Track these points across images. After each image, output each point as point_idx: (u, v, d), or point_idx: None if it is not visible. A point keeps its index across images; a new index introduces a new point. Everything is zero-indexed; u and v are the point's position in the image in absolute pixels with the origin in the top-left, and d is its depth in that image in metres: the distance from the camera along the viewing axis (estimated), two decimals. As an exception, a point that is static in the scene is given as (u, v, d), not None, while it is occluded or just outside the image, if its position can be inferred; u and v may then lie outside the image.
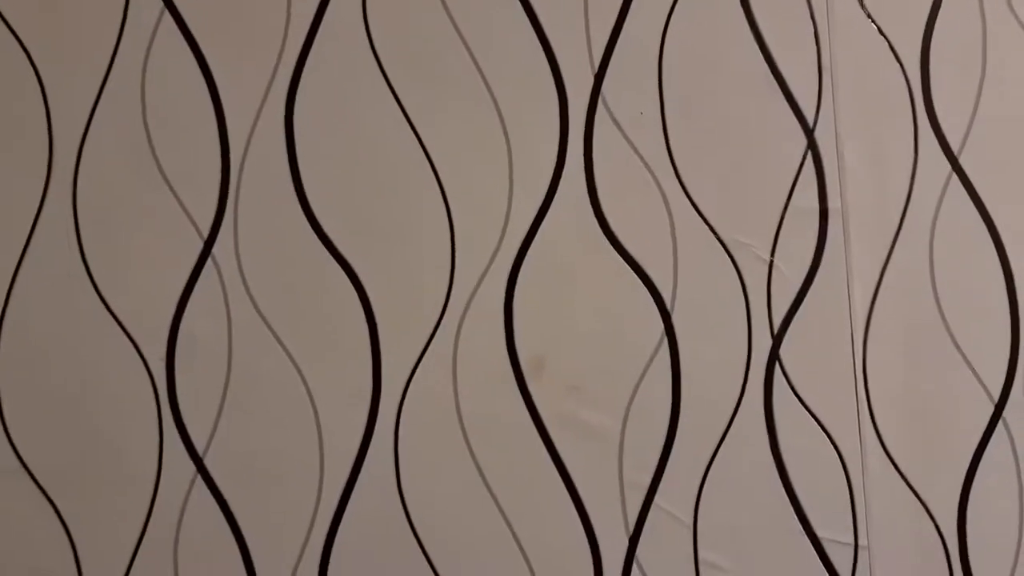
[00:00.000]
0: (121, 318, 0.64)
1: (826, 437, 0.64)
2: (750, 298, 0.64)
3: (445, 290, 0.64)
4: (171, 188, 0.64)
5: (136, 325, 0.64)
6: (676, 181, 0.64)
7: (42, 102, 0.65)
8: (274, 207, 0.64)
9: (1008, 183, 0.64)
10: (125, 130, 0.64)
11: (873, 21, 0.65)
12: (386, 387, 0.64)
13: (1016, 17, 0.65)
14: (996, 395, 0.64)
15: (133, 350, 0.64)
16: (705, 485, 0.64)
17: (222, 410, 0.64)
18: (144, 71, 0.65)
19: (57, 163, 0.65)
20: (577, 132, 0.64)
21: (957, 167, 0.64)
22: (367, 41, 0.65)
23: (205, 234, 0.64)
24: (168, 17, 0.65)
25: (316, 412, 0.64)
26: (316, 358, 0.64)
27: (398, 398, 0.64)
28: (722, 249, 0.64)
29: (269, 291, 0.64)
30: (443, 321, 0.64)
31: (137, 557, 0.64)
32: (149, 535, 0.64)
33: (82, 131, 0.65)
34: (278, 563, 0.64)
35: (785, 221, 0.64)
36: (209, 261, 0.64)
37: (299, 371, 0.64)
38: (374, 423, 0.64)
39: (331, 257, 0.64)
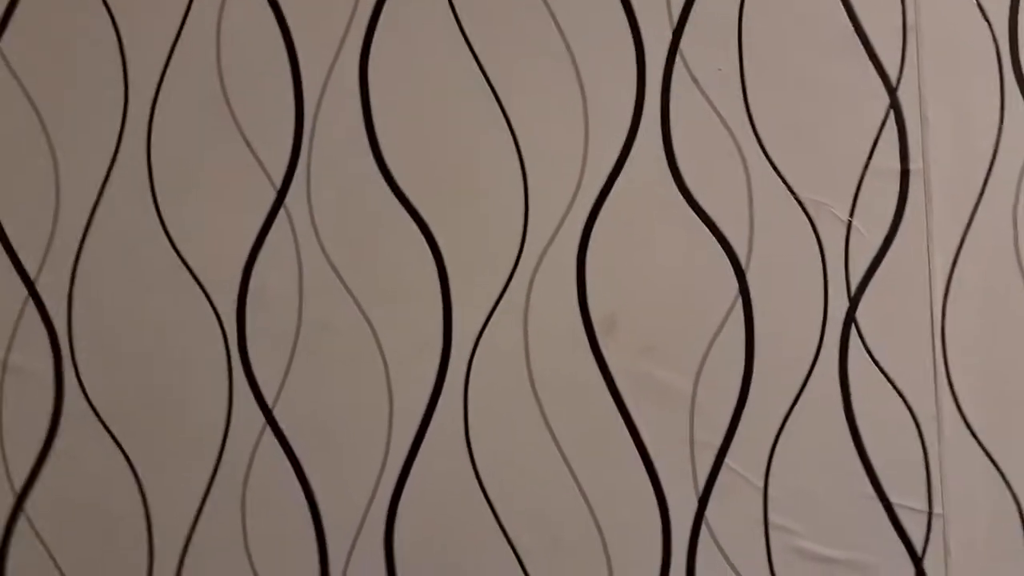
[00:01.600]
0: (193, 267, 0.64)
1: (902, 401, 0.62)
2: (827, 259, 0.63)
3: (518, 245, 0.63)
4: (244, 138, 0.64)
5: (207, 275, 0.64)
6: (754, 139, 0.63)
7: (118, 51, 0.65)
8: (347, 158, 0.64)
9: (1096, 146, 0.63)
10: (200, 79, 0.64)
11: (961, -23, 0.63)
12: (456, 341, 0.63)
13: (1110, -25, 0.63)
14: (1079, 363, 0.62)
15: (204, 299, 0.64)
16: (777, 447, 0.63)
17: (292, 361, 0.64)
18: (220, 20, 0.64)
19: (132, 113, 0.65)
20: (654, 88, 0.63)
21: (1044, 129, 0.63)
22: (442, -7, 0.65)
23: (278, 184, 0.64)
24: (243, -34, 0.65)
25: (386, 365, 0.63)
26: (387, 310, 0.63)
27: (468, 352, 0.63)
28: (799, 208, 0.63)
29: (341, 242, 0.64)
30: (515, 276, 0.63)
31: (205, 507, 0.64)
32: (217, 485, 0.64)
33: (157, 80, 0.64)
34: (345, 515, 0.64)
35: (865, 181, 0.63)
36: (281, 211, 0.64)
37: (369, 323, 0.63)
38: (444, 377, 0.63)
39: (403, 209, 0.64)
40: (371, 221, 0.64)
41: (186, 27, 0.65)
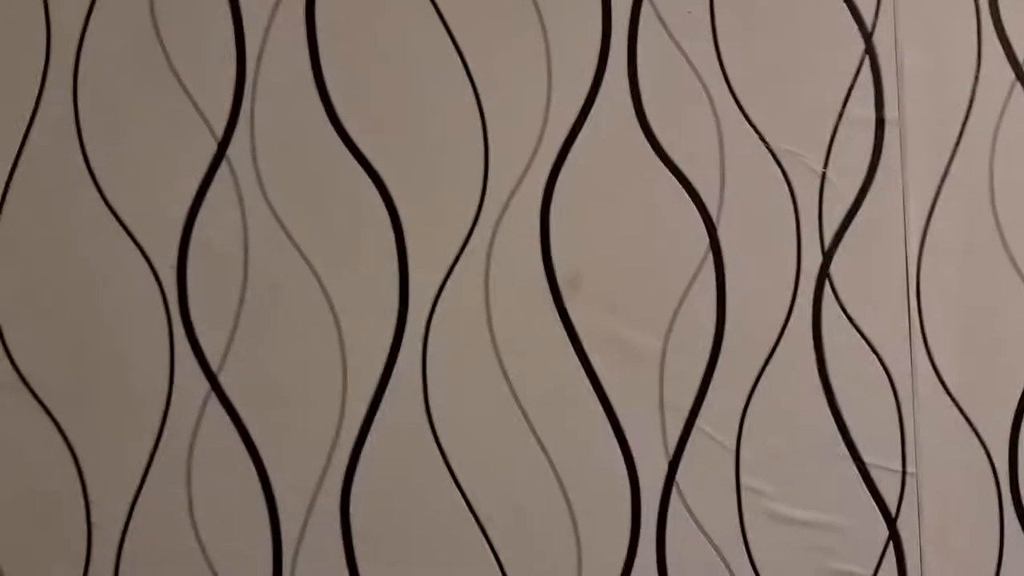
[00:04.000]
0: (128, 223, 0.60)
1: (876, 359, 0.61)
2: (800, 211, 0.61)
3: (477, 199, 0.60)
4: (181, 83, 0.60)
5: (145, 231, 0.60)
6: (725, 86, 0.61)
7: (39, -12, 0.61)
8: (294, 106, 0.60)
9: (1074, 94, 0.61)
10: (130, 18, 0.60)
11: (938, -84, 0.61)
12: (413, 300, 0.60)
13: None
14: (1054, 317, 0.61)
15: (141, 258, 0.60)
16: (749, 408, 0.61)
17: (238, 324, 0.60)
18: (151, -45, 0.61)
19: (55, 54, 0.60)
20: (620, 31, 0.60)
21: (1021, 76, 0.61)
22: (394, -72, 0.61)
23: (219, 134, 0.60)
24: None
25: (339, 327, 0.60)
26: (339, 269, 0.60)
27: (427, 312, 0.60)
28: (772, 159, 0.61)
29: (288, 196, 0.60)
30: (475, 232, 0.60)
31: (147, 480, 0.61)
32: (159, 457, 0.61)
33: (83, 18, 0.60)
34: (298, 487, 0.61)
35: (839, 131, 0.61)
36: (223, 163, 0.60)
37: (320, 283, 0.60)
38: (401, 338, 0.60)
39: (355, 161, 0.60)
40: (321, 174, 0.60)
41: (114, -38, 0.60)
